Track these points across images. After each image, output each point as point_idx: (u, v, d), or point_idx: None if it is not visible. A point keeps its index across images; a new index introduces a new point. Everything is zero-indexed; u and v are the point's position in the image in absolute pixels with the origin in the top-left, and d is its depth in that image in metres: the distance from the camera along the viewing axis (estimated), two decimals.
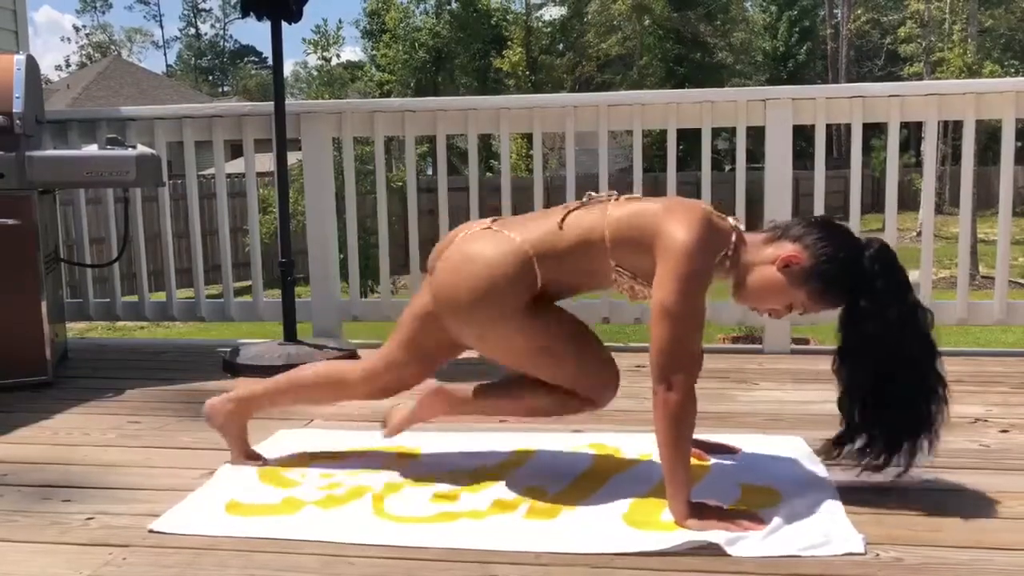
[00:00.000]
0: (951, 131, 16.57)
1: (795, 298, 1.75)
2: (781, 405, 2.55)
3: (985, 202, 13.70)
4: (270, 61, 3.31)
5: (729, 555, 1.54)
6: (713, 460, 1.99)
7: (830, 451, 1.81)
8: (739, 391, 2.71)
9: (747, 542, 1.57)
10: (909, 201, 11.17)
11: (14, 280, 2.83)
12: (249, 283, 3.72)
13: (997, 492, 1.82)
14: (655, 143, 17.72)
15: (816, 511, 1.70)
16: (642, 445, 2.09)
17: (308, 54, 19.70)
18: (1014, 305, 3.26)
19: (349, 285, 3.68)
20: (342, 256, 3.62)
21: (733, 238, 1.75)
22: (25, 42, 4.73)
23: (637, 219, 1.74)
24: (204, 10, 58.82)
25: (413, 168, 3.58)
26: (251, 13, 3.02)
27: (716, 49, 30.59)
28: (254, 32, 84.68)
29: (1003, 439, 2.20)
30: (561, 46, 30.61)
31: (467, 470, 1.98)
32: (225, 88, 54.82)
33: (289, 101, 3.31)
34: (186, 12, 58.57)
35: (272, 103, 3.17)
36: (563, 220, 1.80)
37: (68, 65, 52.90)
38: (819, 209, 3.25)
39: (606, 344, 1.91)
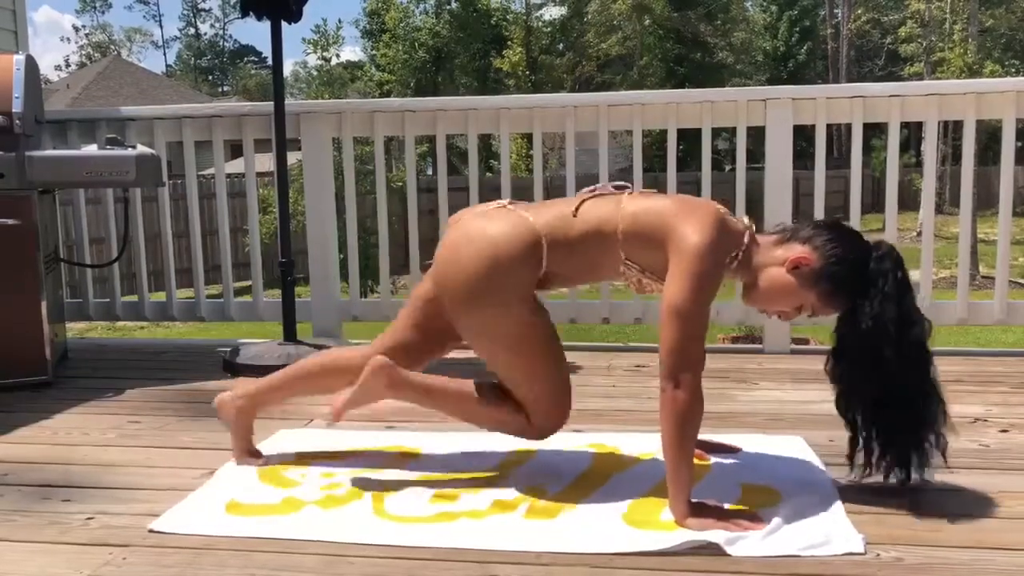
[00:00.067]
0: (951, 131, 16.58)
1: (805, 300, 1.76)
2: (781, 405, 2.55)
3: (985, 202, 13.70)
4: (270, 61, 3.31)
5: (729, 555, 1.54)
6: (713, 460, 1.99)
7: (852, 465, 1.80)
8: (739, 391, 2.71)
9: (747, 542, 1.57)
10: (909, 201, 11.16)
11: (14, 280, 2.83)
12: (249, 283, 3.72)
13: (997, 492, 1.82)
14: (655, 143, 17.72)
15: (816, 511, 1.70)
16: (642, 445, 2.09)
17: (308, 54, 19.73)
18: (1014, 305, 3.25)
19: (349, 285, 3.68)
20: (342, 256, 3.62)
21: (746, 239, 1.76)
22: (25, 42, 4.73)
23: (651, 216, 1.75)
24: (204, 10, 58.85)
25: (413, 168, 3.58)
26: (251, 13, 3.02)
27: (716, 49, 30.58)
28: (254, 32, 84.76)
29: (1003, 439, 2.20)
30: (561, 46, 30.60)
31: (467, 470, 1.98)
32: (225, 88, 54.82)
33: (289, 101, 3.31)
34: (186, 12, 58.64)
35: (272, 103, 3.17)
36: (577, 208, 1.81)
37: (68, 65, 52.95)
38: (819, 209, 3.25)
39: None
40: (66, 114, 4.10)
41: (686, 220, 1.71)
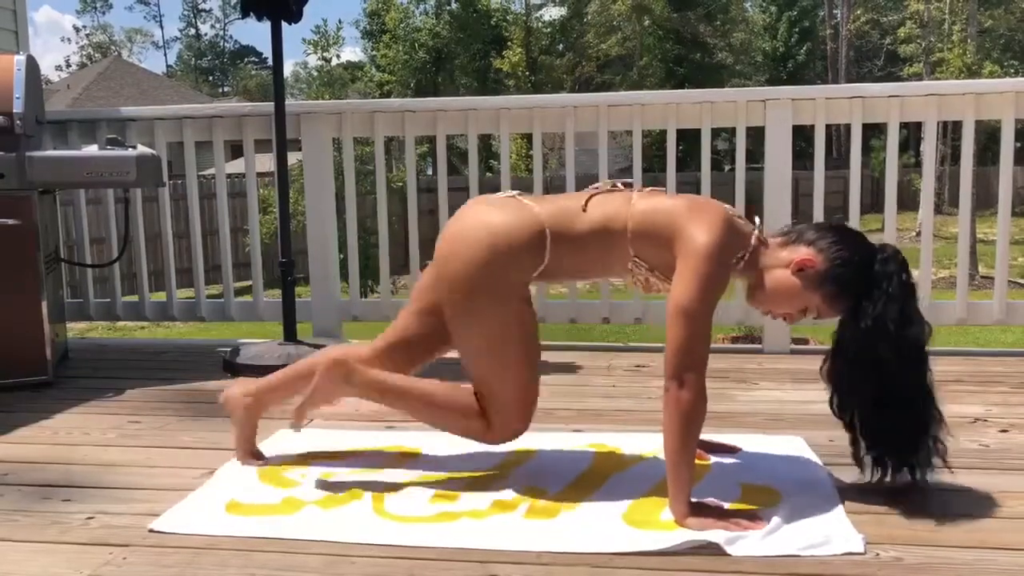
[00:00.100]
0: (951, 131, 16.60)
1: (809, 302, 1.76)
2: (781, 405, 2.55)
3: (984, 202, 13.70)
4: (270, 61, 3.31)
5: (729, 555, 1.54)
6: (713, 460, 1.99)
7: (861, 466, 1.80)
8: (739, 391, 2.71)
9: (747, 542, 1.57)
10: (908, 201, 11.15)
11: (14, 280, 2.83)
12: (249, 283, 3.72)
13: (997, 492, 1.82)
14: (655, 143, 17.71)
15: (816, 511, 1.70)
16: (642, 445, 2.09)
17: (308, 54, 19.73)
18: (1013, 305, 3.26)
19: (349, 285, 3.68)
20: (342, 256, 3.62)
21: (753, 241, 1.76)
22: (25, 42, 4.73)
23: (660, 215, 1.75)
24: (204, 10, 58.83)
25: (413, 168, 3.59)
26: (251, 13, 3.02)
27: (716, 49, 30.60)
28: (254, 32, 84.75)
29: (1003, 439, 2.20)
30: (561, 46, 30.61)
31: (467, 470, 1.98)
32: (225, 88, 54.83)
33: (289, 101, 3.32)
34: (186, 12, 58.61)
35: (272, 103, 3.17)
36: (587, 202, 1.81)
37: (68, 65, 52.92)
38: (819, 209, 3.25)
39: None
40: (67, 114, 4.10)
41: (695, 220, 1.71)
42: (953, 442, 2.08)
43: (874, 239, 1.84)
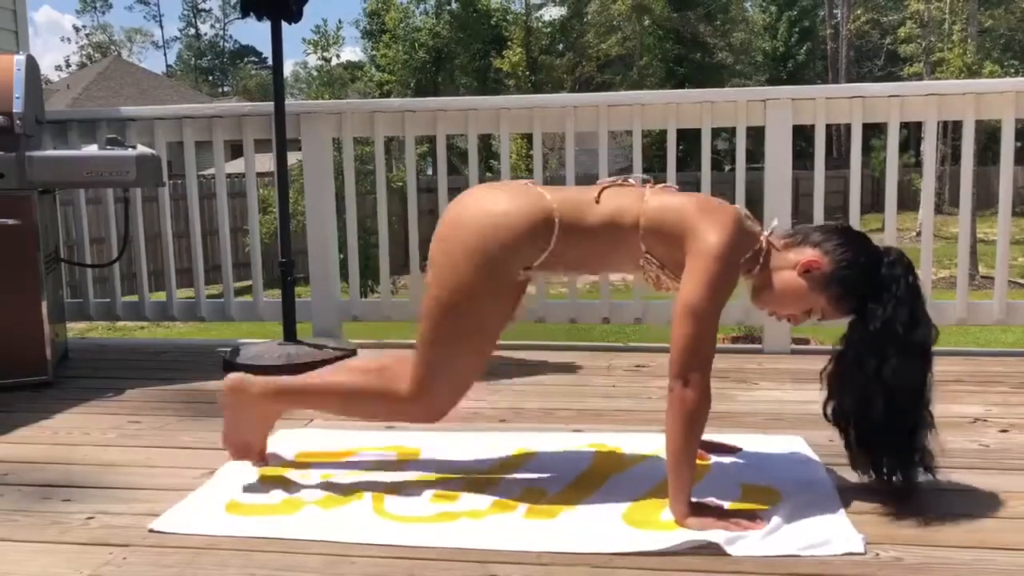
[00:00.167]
0: (951, 131, 16.60)
1: (815, 303, 1.76)
2: (781, 405, 2.55)
3: (985, 202, 13.72)
4: (270, 61, 3.31)
5: (729, 555, 1.55)
6: (713, 460, 1.99)
7: (856, 468, 1.80)
8: (739, 391, 2.71)
9: (747, 542, 1.57)
10: (909, 201, 11.17)
11: (14, 280, 2.83)
12: (249, 283, 3.72)
13: (997, 492, 1.82)
14: (655, 143, 17.71)
15: (816, 511, 1.70)
16: (642, 445, 2.09)
17: (308, 54, 19.72)
18: (1014, 305, 3.26)
19: (349, 285, 3.68)
20: (342, 256, 3.62)
21: (762, 242, 1.76)
22: (25, 42, 4.73)
23: (672, 212, 1.74)
24: (204, 10, 58.86)
25: (413, 168, 3.59)
26: (251, 13, 3.02)
27: (716, 49, 30.60)
28: (254, 32, 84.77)
29: (1003, 439, 2.20)
30: (561, 46, 30.61)
31: (467, 470, 1.98)
32: (225, 88, 54.83)
33: (289, 101, 3.32)
34: (186, 12, 58.63)
35: (272, 103, 3.17)
36: (599, 194, 1.80)
37: (68, 65, 52.94)
38: (819, 209, 3.25)
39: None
40: (66, 114, 4.10)
41: (706, 220, 1.71)
42: (953, 442, 2.09)
43: (874, 239, 1.85)
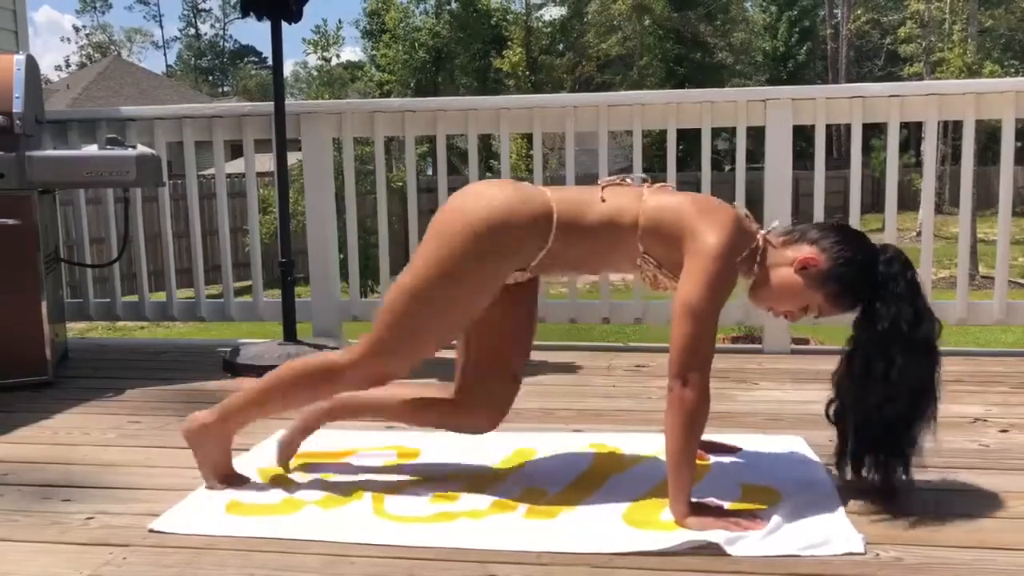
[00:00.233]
0: (951, 131, 16.59)
1: (811, 300, 1.76)
2: (781, 405, 2.55)
3: (985, 202, 13.71)
4: (270, 61, 3.31)
5: (728, 555, 1.54)
6: (713, 460, 1.99)
7: (840, 468, 1.81)
8: (739, 391, 2.71)
9: (746, 542, 1.57)
10: (909, 201, 11.16)
11: (14, 280, 2.83)
12: (249, 283, 3.72)
13: (997, 492, 1.82)
14: (655, 143, 17.71)
15: (816, 511, 1.70)
16: (642, 445, 2.09)
17: (308, 54, 19.72)
18: (1014, 305, 3.26)
19: (349, 285, 3.68)
20: (342, 256, 3.62)
21: (759, 240, 1.77)
22: (25, 42, 4.73)
23: (670, 212, 1.74)
24: (204, 10, 58.87)
25: (413, 168, 3.59)
26: (251, 13, 3.02)
27: (716, 49, 30.59)
28: (254, 32, 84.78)
29: (1003, 439, 2.20)
30: (561, 46, 30.61)
31: (467, 470, 1.98)
32: (225, 88, 54.83)
33: (289, 101, 3.32)
34: (186, 12, 58.63)
35: (272, 103, 3.17)
36: (602, 193, 1.79)
37: (68, 65, 52.95)
38: (819, 209, 3.25)
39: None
40: (66, 114, 4.10)
41: (705, 220, 1.71)
42: (953, 442, 2.09)
43: (875, 239, 1.84)
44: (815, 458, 2.01)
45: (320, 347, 3.15)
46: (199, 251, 3.65)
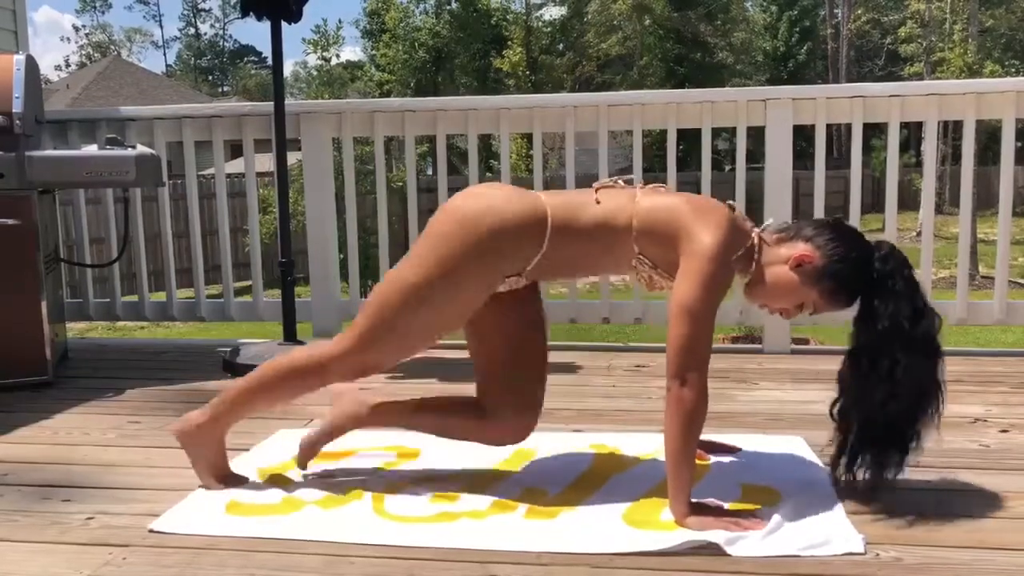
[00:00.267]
0: (951, 131, 16.59)
1: (807, 297, 1.77)
2: (781, 405, 2.55)
3: (985, 202, 13.70)
4: (270, 61, 3.31)
5: (729, 555, 1.54)
6: (713, 460, 1.99)
7: (835, 468, 1.80)
8: (739, 391, 2.71)
9: (747, 542, 1.57)
10: (909, 201, 11.17)
11: (14, 280, 2.83)
12: (249, 283, 3.72)
13: (997, 492, 1.82)
14: (655, 143, 17.72)
15: (816, 511, 1.70)
16: (642, 445, 2.09)
17: (308, 54, 19.69)
18: (1014, 305, 3.26)
19: (349, 285, 3.68)
20: (342, 256, 3.62)
21: (753, 238, 1.77)
22: (25, 42, 4.73)
23: (664, 213, 1.75)
24: (204, 10, 58.87)
25: (413, 168, 3.59)
26: (251, 13, 3.02)
27: (716, 49, 30.59)
28: (254, 32, 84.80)
29: (1003, 439, 2.20)
30: (561, 46, 30.62)
31: (467, 470, 1.98)
32: (225, 88, 54.84)
33: (289, 101, 3.32)
34: (186, 12, 58.65)
35: (272, 103, 3.17)
36: (597, 195, 1.80)
37: (68, 65, 52.95)
38: (819, 209, 3.25)
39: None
40: (66, 114, 4.10)
41: (699, 220, 1.71)
42: (953, 442, 2.09)
43: (874, 239, 1.84)
44: (815, 458, 2.01)
45: None
46: (199, 251, 3.65)
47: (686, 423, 1.66)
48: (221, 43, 59.00)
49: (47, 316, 2.88)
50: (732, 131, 3.43)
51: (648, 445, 2.06)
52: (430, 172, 18.09)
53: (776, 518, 1.65)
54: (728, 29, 31.06)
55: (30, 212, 2.82)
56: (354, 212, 3.57)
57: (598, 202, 1.78)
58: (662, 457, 1.70)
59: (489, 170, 17.45)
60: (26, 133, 2.81)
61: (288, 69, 44.88)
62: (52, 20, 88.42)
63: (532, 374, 1.91)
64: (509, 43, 27.68)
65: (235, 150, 7.11)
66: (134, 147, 2.96)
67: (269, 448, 2.17)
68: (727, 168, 21.68)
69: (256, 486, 1.91)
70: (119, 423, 2.46)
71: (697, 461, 1.82)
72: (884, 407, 1.70)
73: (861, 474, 1.76)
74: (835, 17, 32.23)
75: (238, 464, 2.03)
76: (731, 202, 1.82)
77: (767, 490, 1.81)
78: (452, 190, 3.53)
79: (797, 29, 32.07)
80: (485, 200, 1.78)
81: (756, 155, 3.52)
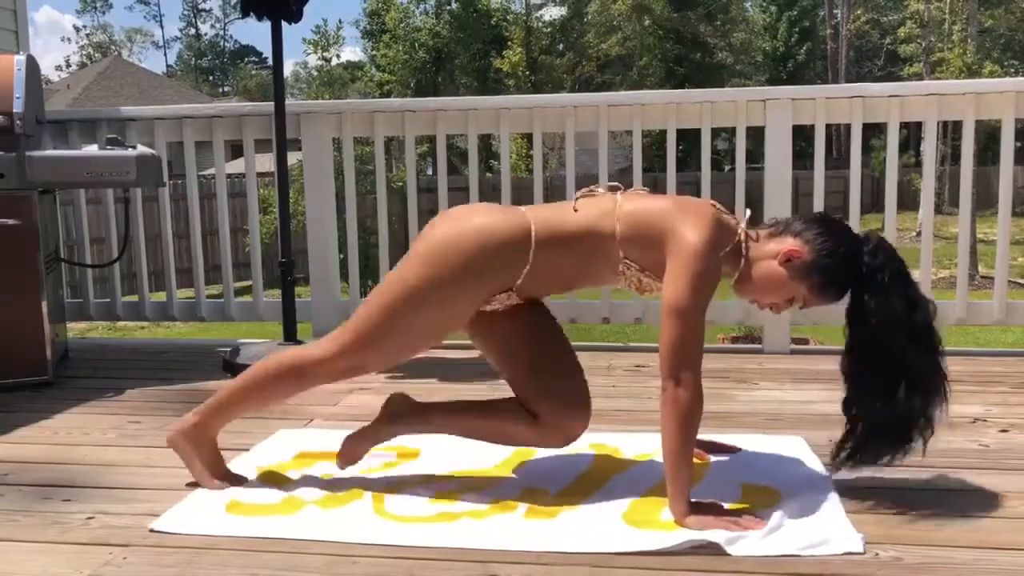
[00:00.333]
0: (951, 131, 16.60)
1: (796, 292, 1.77)
2: (781, 405, 2.55)
3: (985, 202, 13.70)
4: (270, 61, 3.31)
5: (729, 554, 1.55)
6: (713, 460, 2.00)
7: (836, 457, 1.81)
8: (739, 391, 2.71)
9: (747, 541, 1.57)
10: (909, 201, 11.18)
11: (14, 280, 2.83)
12: (249, 283, 3.72)
13: (997, 492, 1.82)
14: (655, 143, 17.74)
15: (816, 511, 1.70)
16: (642, 445, 2.09)
17: (308, 54, 19.69)
18: (1013, 305, 3.26)
19: (349, 285, 3.68)
20: (342, 256, 3.62)
21: (740, 233, 1.77)
22: (25, 42, 4.73)
23: (648, 216, 1.75)
24: (204, 10, 58.87)
25: (413, 168, 3.59)
26: (251, 13, 3.02)
27: (716, 49, 30.61)
28: (254, 32, 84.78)
29: (1003, 439, 2.20)
30: (561, 46, 30.62)
31: (467, 470, 1.98)
32: (225, 88, 54.85)
33: (289, 101, 3.32)
34: (186, 12, 58.64)
35: (272, 103, 3.17)
36: (575, 204, 1.81)
37: (68, 65, 52.94)
38: (818, 209, 3.24)
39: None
40: (67, 114, 4.10)
41: (684, 220, 1.72)
42: (953, 442, 2.09)
43: (865, 232, 1.85)
44: (815, 458, 2.01)
45: None
46: (199, 251, 3.65)
47: (683, 423, 1.66)
48: (221, 43, 59.01)
49: (47, 316, 2.88)
50: (732, 131, 3.43)
51: (648, 445, 2.06)
52: (430, 172, 18.10)
53: (776, 518, 1.65)
54: (728, 29, 31.07)
55: (30, 212, 2.82)
56: (354, 212, 3.57)
57: (576, 210, 1.79)
58: (661, 457, 1.70)
59: (489, 170, 17.49)
60: (27, 133, 2.81)
61: (288, 69, 44.92)
62: (53, 20, 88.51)
63: (564, 372, 1.88)
64: (509, 43, 27.69)
65: (235, 150, 7.12)
66: (135, 147, 2.96)
67: (269, 448, 2.17)
68: (727, 168, 21.69)
69: (256, 486, 1.91)
70: (119, 423, 2.46)
71: (696, 461, 1.83)
72: (886, 397, 1.70)
73: (867, 458, 1.76)
74: (834, 17, 32.25)
75: (237, 464, 2.03)
76: (713, 204, 1.82)
77: (767, 490, 1.81)
78: (452, 190, 3.58)
79: (796, 29, 32.08)
80: (475, 213, 1.80)
81: (756, 155, 3.53)
